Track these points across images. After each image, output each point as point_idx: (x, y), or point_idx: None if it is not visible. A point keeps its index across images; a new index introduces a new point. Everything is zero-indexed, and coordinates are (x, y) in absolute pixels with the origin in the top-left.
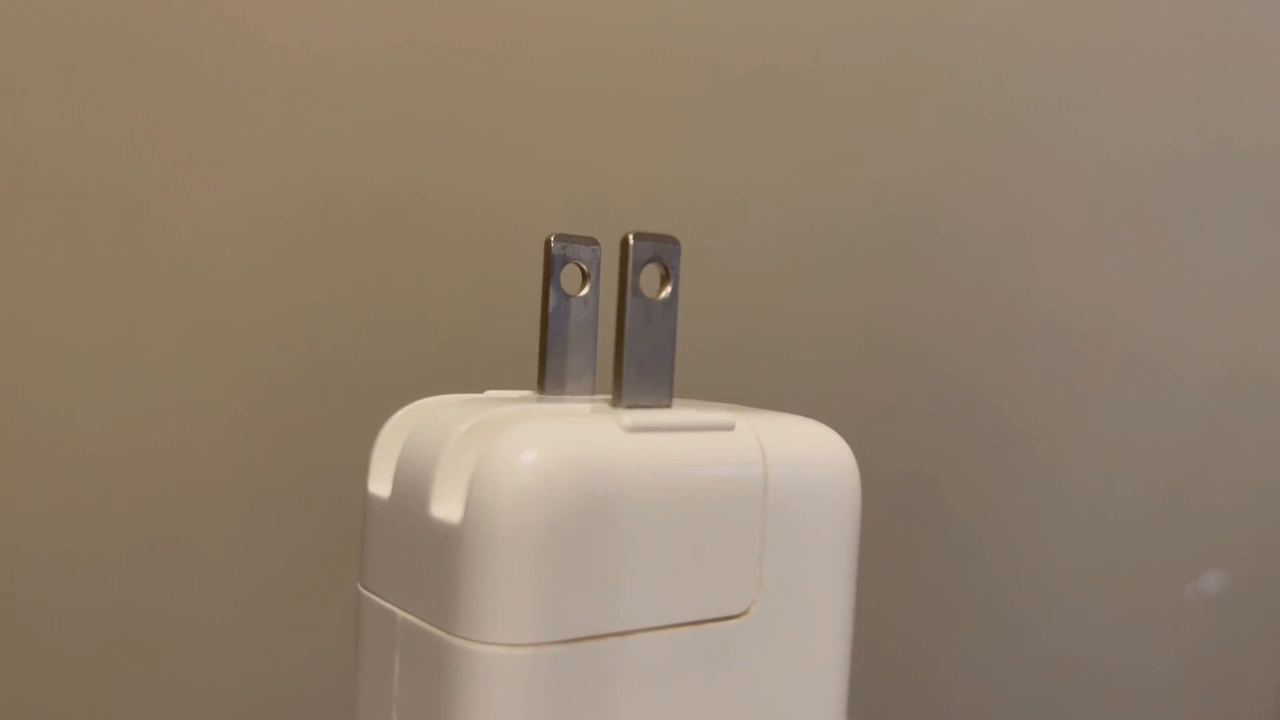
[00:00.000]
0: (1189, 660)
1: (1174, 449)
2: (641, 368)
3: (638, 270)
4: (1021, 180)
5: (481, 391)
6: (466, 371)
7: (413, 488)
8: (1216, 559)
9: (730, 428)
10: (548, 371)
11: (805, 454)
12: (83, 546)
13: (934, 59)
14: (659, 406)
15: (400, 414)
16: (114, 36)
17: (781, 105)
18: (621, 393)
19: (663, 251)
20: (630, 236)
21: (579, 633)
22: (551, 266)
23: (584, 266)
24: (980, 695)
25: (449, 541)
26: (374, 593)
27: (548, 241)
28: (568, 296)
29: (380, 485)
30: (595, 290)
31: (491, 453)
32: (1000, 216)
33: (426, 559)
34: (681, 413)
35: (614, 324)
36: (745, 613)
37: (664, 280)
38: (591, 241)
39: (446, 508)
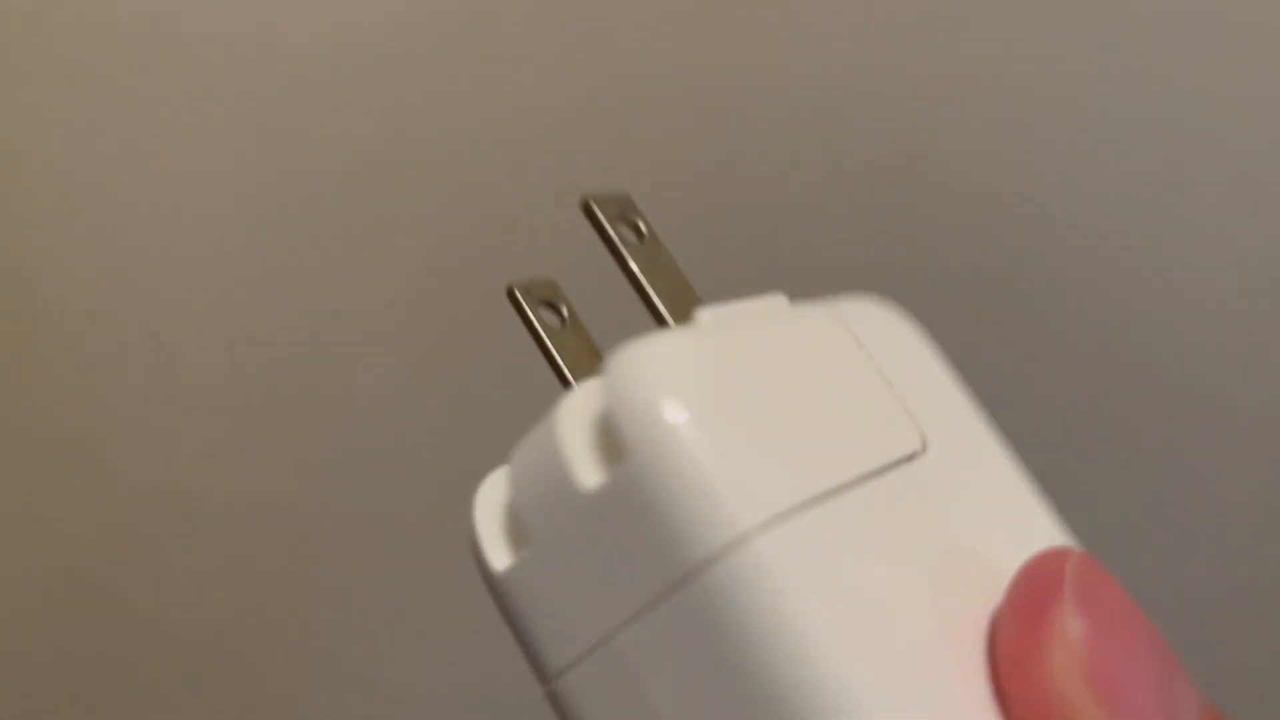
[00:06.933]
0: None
1: None
2: (672, 296)
3: (615, 224)
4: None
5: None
6: None
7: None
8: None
9: (793, 307)
10: None
11: (854, 304)
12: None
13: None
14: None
15: (493, 477)
16: (92, 35)
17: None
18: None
19: (625, 206)
20: (589, 200)
21: (797, 498)
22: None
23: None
24: None
25: (629, 486)
26: (570, 667)
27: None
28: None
29: (500, 555)
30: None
31: (617, 370)
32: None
33: (613, 540)
34: (741, 306)
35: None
36: (924, 450)
37: (640, 230)
38: (549, 283)
39: (598, 471)
